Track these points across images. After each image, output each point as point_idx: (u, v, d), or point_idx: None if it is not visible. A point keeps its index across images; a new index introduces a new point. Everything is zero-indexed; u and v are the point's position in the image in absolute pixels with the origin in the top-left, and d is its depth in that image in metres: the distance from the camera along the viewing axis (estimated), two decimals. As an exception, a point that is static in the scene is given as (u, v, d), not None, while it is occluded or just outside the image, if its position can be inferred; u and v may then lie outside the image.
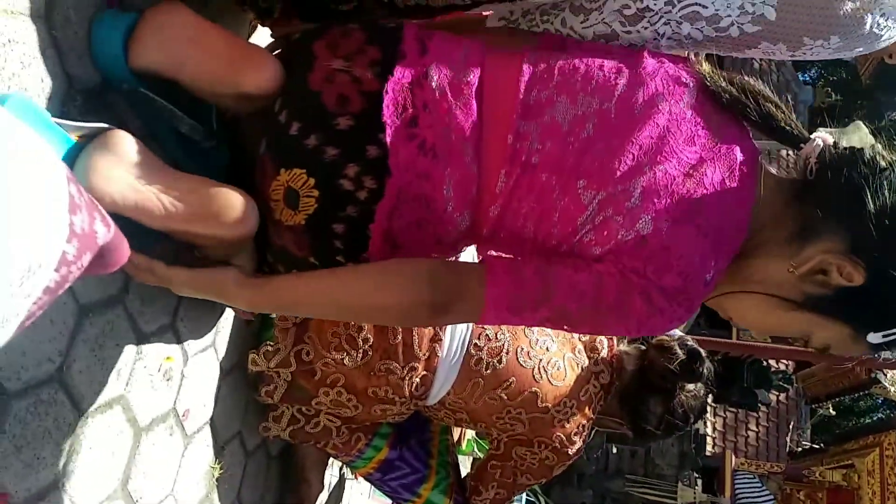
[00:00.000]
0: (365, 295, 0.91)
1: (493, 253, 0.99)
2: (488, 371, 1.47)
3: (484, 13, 1.14)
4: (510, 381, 1.48)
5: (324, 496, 1.83)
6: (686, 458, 5.66)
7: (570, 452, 1.58)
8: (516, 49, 0.96)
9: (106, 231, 0.79)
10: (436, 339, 1.45)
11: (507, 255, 0.95)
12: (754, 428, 8.06)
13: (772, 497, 5.42)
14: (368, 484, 1.82)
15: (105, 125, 0.85)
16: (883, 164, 0.83)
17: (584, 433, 1.61)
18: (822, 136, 0.89)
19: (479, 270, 0.90)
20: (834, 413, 10.63)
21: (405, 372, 1.43)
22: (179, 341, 1.21)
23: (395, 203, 0.90)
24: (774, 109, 0.91)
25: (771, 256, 0.88)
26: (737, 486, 5.36)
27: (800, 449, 7.66)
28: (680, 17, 0.99)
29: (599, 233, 0.86)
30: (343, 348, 1.39)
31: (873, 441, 5.47)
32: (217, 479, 1.37)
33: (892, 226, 0.81)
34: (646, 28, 1.01)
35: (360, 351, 1.40)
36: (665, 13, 0.99)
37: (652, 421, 1.62)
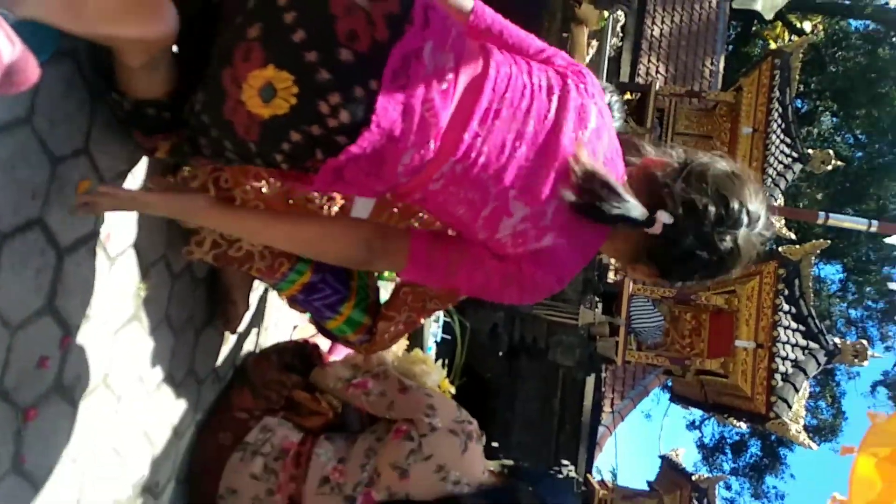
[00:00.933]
0: (312, 242, 1.17)
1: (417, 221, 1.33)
2: (403, 203, 1.53)
3: None
4: (425, 210, 1.56)
5: (249, 315, 1.93)
6: (589, 284, 6.13)
7: None
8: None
9: (11, 48, 0.76)
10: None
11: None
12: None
13: (661, 317, 6.00)
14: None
15: None
16: (692, 241, 1.08)
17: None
18: (663, 219, 1.07)
19: (404, 249, 1.15)
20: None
21: (323, 200, 1.48)
22: (95, 166, 1.20)
23: (361, 153, 0.99)
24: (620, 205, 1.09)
25: (616, 258, 1.21)
26: (631, 309, 5.90)
27: (691, 277, 8.37)
28: None
29: (515, 240, 1.09)
30: (261, 176, 1.41)
31: (755, 270, 6.04)
32: (144, 299, 1.43)
33: (684, 267, 1.14)
34: None
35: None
36: None
37: None
